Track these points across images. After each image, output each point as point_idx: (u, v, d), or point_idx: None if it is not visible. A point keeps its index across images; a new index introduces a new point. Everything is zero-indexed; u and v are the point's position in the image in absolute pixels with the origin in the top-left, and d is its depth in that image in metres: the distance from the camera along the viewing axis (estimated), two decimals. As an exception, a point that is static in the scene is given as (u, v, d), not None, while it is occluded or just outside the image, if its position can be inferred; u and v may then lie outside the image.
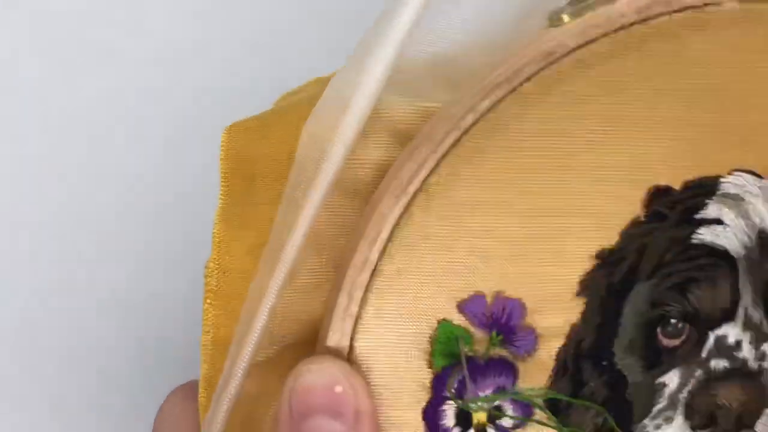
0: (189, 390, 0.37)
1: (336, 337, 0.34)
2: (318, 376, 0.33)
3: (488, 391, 0.35)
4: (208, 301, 0.35)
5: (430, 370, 0.34)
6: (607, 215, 0.34)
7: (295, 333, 0.35)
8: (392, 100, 0.34)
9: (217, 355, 0.35)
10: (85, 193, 0.50)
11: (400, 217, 0.33)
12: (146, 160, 0.50)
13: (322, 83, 0.40)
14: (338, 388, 0.33)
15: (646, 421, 0.36)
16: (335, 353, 0.34)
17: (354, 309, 0.34)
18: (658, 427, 0.36)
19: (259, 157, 0.36)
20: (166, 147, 0.49)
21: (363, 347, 0.34)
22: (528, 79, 0.33)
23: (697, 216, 0.35)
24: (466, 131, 0.33)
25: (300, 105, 0.36)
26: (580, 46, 0.33)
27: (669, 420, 0.36)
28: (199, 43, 0.50)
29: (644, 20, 0.33)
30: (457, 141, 0.33)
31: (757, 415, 0.36)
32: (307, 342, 0.35)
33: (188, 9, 0.50)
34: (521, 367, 0.35)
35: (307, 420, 0.33)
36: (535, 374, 0.35)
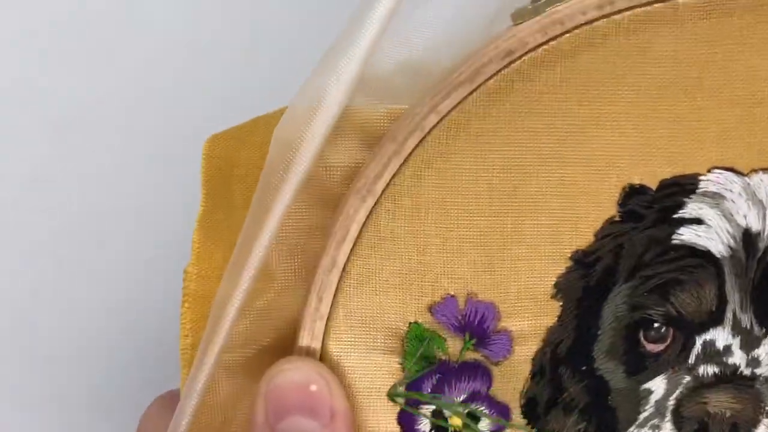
0: (169, 399, 0.38)
1: (308, 338, 0.34)
2: (293, 375, 0.33)
3: (463, 396, 0.34)
4: (186, 305, 0.35)
5: (402, 373, 0.34)
6: (579, 216, 0.34)
7: (274, 335, 0.35)
8: (361, 103, 0.35)
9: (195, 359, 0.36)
10: (85, 194, 0.51)
11: (367, 217, 0.34)
12: (146, 160, 0.51)
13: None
14: (313, 387, 0.33)
15: (632, 429, 0.35)
16: (308, 354, 0.34)
17: (324, 310, 0.34)
18: None
19: (236, 163, 0.36)
20: (167, 148, 0.50)
21: (334, 349, 0.34)
22: (490, 77, 0.33)
23: (676, 216, 0.34)
24: (429, 131, 0.33)
25: (277, 114, 0.37)
26: (540, 44, 0.33)
27: (656, 428, 0.35)
28: (199, 43, 0.51)
29: (607, 16, 0.33)
30: (421, 141, 0.33)
31: (754, 424, 0.35)
32: (286, 344, 0.35)
33: (188, 9, 0.51)
34: (496, 371, 0.34)
35: (283, 419, 0.33)
36: (511, 378, 0.34)
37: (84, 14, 0.51)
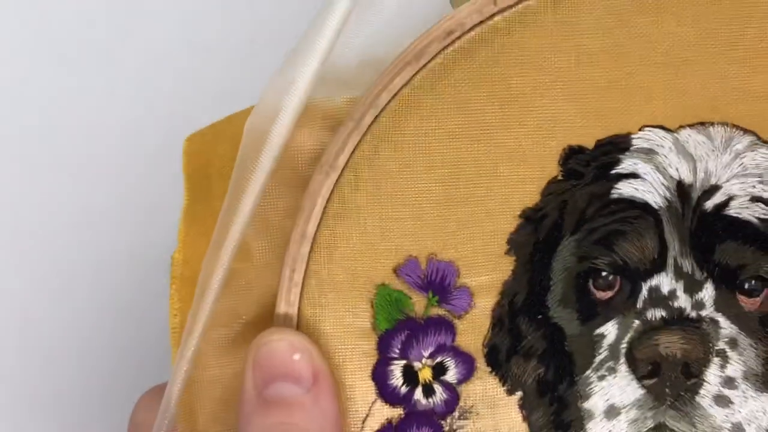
0: (159, 391, 0.41)
1: (284, 306, 0.37)
2: (277, 345, 0.36)
3: (430, 349, 0.37)
4: (174, 287, 0.39)
5: (373, 333, 0.37)
6: (525, 177, 0.37)
7: (256, 310, 0.38)
8: (323, 93, 0.38)
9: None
10: (85, 194, 0.53)
11: (332, 191, 0.37)
12: (145, 160, 0.53)
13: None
14: (296, 356, 0.36)
15: (589, 372, 0.38)
16: (285, 322, 0.37)
17: (298, 279, 0.37)
18: (602, 378, 0.37)
19: (213, 157, 0.40)
20: (166, 148, 0.51)
21: (309, 315, 0.37)
22: (434, 56, 0.36)
23: (613, 172, 0.37)
24: (383, 108, 0.37)
25: (248, 109, 0.40)
26: (477, 24, 0.36)
27: (612, 371, 0.37)
28: (199, 43, 0.53)
29: None
30: (376, 118, 0.37)
31: (705, 364, 0.37)
32: (268, 318, 0.38)
33: (188, 9, 0.52)
34: (459, 324, 0.37)
35: (270, 386, 0.36)
36: (473, 330, 0.37)
37: (84, 14, 0.53)
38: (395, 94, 0.37)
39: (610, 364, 0.37)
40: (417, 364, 0.37)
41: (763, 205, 0.37)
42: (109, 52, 0.53)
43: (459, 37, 0.36)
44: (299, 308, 0.37)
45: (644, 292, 0.37)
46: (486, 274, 0.37)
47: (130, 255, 0.53)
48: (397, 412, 0.37)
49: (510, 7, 0.36)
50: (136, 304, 0.53)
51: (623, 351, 0.37)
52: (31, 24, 0.54)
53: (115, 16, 0.54)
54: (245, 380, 0.36)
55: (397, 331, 0.37)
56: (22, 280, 0.53)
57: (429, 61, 0.36)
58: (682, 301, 0.37)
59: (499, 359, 0.37)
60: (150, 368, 0.52)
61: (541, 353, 0.38)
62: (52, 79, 0.54)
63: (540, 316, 0.38)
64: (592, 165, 0.37)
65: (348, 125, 0.37)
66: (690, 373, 0.37)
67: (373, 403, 0.37)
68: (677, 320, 0.37)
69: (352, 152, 0.37)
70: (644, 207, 0.37)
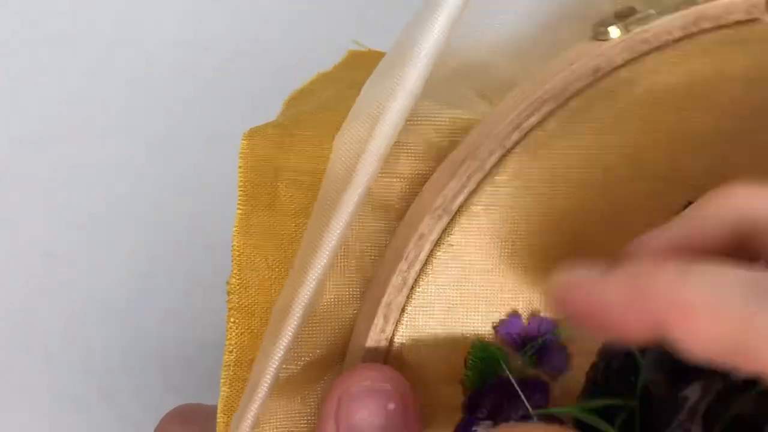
0: (183, 414, 0.36)
1: (371, 357, 0.33)
2: (368, 394, 0.32)
3: (521, 412, 0.34)
4: (232, 319, 0.33)
5: (463, 388, 0.33)
6: (647, 225, 0.34)
7: (322, 350, 0.34)
8: (426, 108, 0.33)
9: (238, 376, 0.33)
10: (85, 194, 0.48)
11: (440, 237, 0.32)
12: (145, 160, 0.48)
13: (329, 79, 0.38)
14: (391, 406, 0.32)
15: (665, 433, 0.36)
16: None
17: (389, 330, 0.32)
18: None
19: (282, 168, 0.34)
20: (166, 148, 0.47)
21: (397, 367, 0.33)
22: (575, 95, 0.32)
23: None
24: (510, 149, 0.32)
25: (324, 114, 0.34)
26: (626, 63, 0.32)
27: (687, 430, 0.36)
28: (199, 43, 0.48)
29: (689, 36, 0.32)
30: (501, 159, 0.32)
31: None
32: (333, 358, 0.34)
33: (189, 9, 0.47)
34: (554, 386, 0.34)
35: None
36: (567, 392, 0.34)
37: (85, 14, 0.46)
38: (525, 134, 0.32)
39: (687, 425, 0.36)
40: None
41: None
42: (110, 52, 0.46)
43: (604, 76, 0.32)
44: (384, 362, 0.33)
45: (733, 354, 0.36)
46: (586, 335, 0.34)
47: (131, 255, 0.47)
48: (478, 475, 0.34)
49: (661, 47, 0.32)
50: (136, 304, 0.47)
51: (701, 412, 0.36)
52: (30, 24, 0.46)
53: (115, 16, 0.47)
54: (326, 424, 0.31)
55: (489, 390, 0.34)
56: (22, 280, 0.46)
57: (568, 100, 0.32)
58: None
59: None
60: (151, 368, 0.46)
61: (629, 416, 0.35)
62: (54, 78, 0.46)
63: (633, 378, 0.35)
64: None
65: (468, 164, 0.32)
66: None
67: (455, 462, 0.34)
68: (756, 381, 0.36)
69: (469, 195, 0.32)
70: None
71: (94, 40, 0.47)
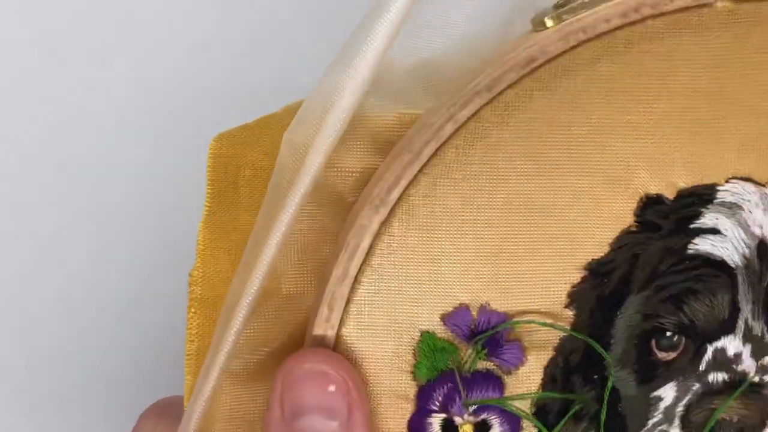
0: (163, 407, 0.37)
1: (318, 345, 0.33)
2: (311, 375, 0.33)
3: (474, 405, 0.34)
4: (193, 310, 0.35)
5: (413, 382, 0.34)
6: (594, 226, 0.33)
7: (282, 339, 0.35)
8: (373, 105, 0.34)
9: (201, 366, 0.35)
10: (85, 194, 0.50)
11: (380, 228, 0.33)
12: (145, 160, 0.50)
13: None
14: (332, 388, 0.33)
15: (639, 436, 0.35)
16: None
17: (335, 320, 0.33)
18: None
19: (244, 165, 0.35)
20: (166, 148, 0.49)
21: (345, 356, 0.34)
22: (509, 86, 0.32)
23: (692, 226, 0.34)
24: (446, 141, 0.32)
25: (286, 113, 0.35)
26: (562, 53, 0.32)
27: None
28: (199, 43, 0.50)
29: (630, 24, 0.32)
30: (437, 151, 0.32)
31: (760, 429, 0.35)
32: (295, 348, 0.35)
33: (189, 9, 0.50)
34: (508, 380, 0.34)
35: (300, 419, 0.32)
36: (522, 387, 0.34)
37: (84, 14, 0.49)
38: (461, 126, 0.32)
39: (663, 427, 0.35)
40: (458, 419, 0.34)
41: None
42: (110, 52, 0.49)
43: (539, 67, 0.32)
44: (334, 350, 0.34)
45: (709, 354, 0.34)
46: (542, 328, 0.34)
47: (131, 255, 0.50)
48: (431, 467, 0.34)
49: (599, 36, 0.32)
50: (137, 306, 0.50)
51: (679, 414, 0.35)
52: (31, 23, 0.49)
53: (114, 16, 0.50)
54: (272, 407, 0.33)
55: (440, 382, 0.34)
56: (22, 281, 0.50)
57: (503, 91, 0.32)
58: (747, 364, 0.34)
59: (548, 419, 0.34)
60: (151, 369, 0.49)
61: (593, 415, 0.35)
62: (53, 78, 0.50)
63: (596, 376, 0.34)
64: (671, 217, 0.34)
65: (404, 156, 0.32)
66: None
67: (407, 454, 0.34)
68: (739, 384, 0.34)
69: (407, 187, 0.33)
70: (720, 265, 0.34)
71: (94, 40, 0.50)
